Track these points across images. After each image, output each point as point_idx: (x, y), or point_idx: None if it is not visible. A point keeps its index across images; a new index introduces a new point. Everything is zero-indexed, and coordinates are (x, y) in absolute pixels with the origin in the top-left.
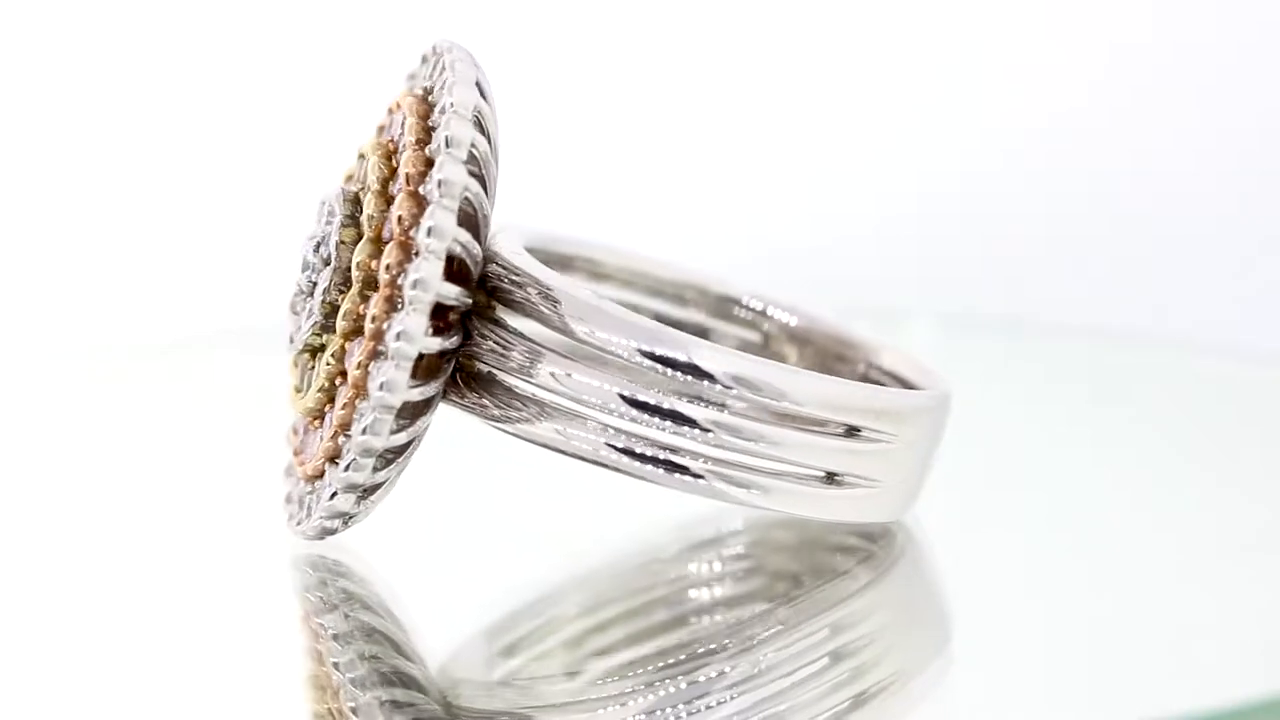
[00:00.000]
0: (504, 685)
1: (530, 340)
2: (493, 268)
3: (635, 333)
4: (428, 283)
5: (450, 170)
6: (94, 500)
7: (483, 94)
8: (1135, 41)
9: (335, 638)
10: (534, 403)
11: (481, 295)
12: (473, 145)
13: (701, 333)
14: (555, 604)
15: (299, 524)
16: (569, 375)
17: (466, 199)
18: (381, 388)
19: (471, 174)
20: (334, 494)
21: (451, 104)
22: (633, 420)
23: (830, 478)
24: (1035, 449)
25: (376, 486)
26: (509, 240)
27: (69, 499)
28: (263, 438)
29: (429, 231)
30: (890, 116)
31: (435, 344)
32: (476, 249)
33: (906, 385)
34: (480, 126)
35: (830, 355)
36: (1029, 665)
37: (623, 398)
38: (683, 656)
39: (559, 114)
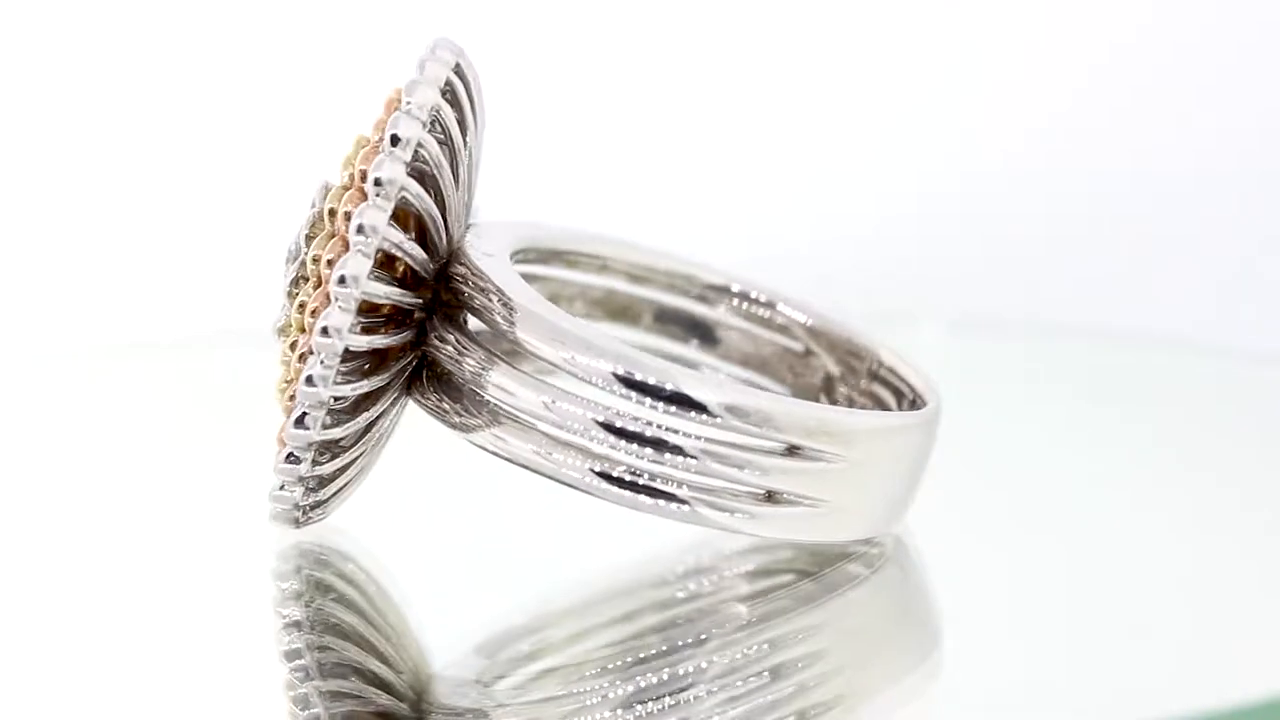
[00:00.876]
0: (478, 683)
1: (486, 347)
2: (459, 268)
3: (609, 357)
4: (352, 279)
5: (388, 168)
6: (93, 498)
7: (453, 95)
8: (1135, 41)
9: (289, 626)
10: (487, 411)
11: (451, 296)
12: (420, 145)
13: (716, 330)
14: (571, 618)
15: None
16: (521, 387)
17: (405, 198)
18: (309, 382)
19: (417, 173)
20: (282, 485)
21: (407, 103)
22: (610, 446)
23: (771, 496)
24: (1035, 450)
25: (330, 477)
26: (487, 240)
27: (68, 497)
28: (262, 436)
29: (358, 229)
30: (887, 118)
31: (365, 341)
32: (414, 248)
33: (908, 385)
34: (439, 126)
35: (846, 353)
36: (1023, 666)
37: (598, 423)
38: (664, 647)
39: (562, 115)
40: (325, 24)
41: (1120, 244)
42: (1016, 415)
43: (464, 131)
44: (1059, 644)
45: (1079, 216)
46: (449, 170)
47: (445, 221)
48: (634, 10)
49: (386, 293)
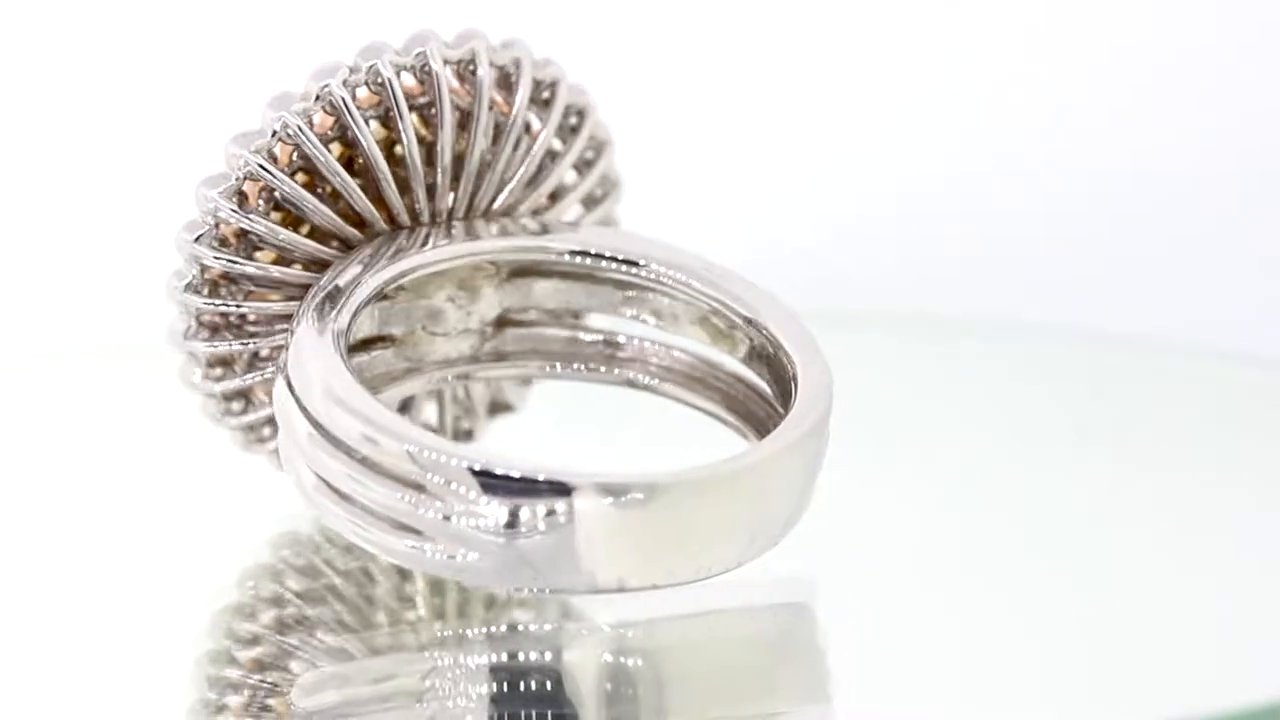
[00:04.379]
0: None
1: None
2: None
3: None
4: (188, 240)
5: (232, 147)
6: (94, 498)
7: (386, 88)
8: (1135, 41)
9: (257, 570)
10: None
11: None
12: (289, 134)
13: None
14: None
15: None
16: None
17: (247, 175)
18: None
19: (270, 147)
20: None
21: (302, 98)
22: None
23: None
24: (1032, 452)
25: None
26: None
27: (69, 497)
28: None
29: (203, 198)
30: (883, 119)
31: (208, 304)
32: (256, 221)
33: (794, 377)
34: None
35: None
36: (1020, 667)
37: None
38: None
39: None
40: (330, 22)
41: (1120, 244)
42: (1012, 417)
43: (423, 125)
44: (1055, 646)
45: (1079, 216)
46: (337, 167)
47: (347, 207)
48: (634, 10)
49: (212, 257)
